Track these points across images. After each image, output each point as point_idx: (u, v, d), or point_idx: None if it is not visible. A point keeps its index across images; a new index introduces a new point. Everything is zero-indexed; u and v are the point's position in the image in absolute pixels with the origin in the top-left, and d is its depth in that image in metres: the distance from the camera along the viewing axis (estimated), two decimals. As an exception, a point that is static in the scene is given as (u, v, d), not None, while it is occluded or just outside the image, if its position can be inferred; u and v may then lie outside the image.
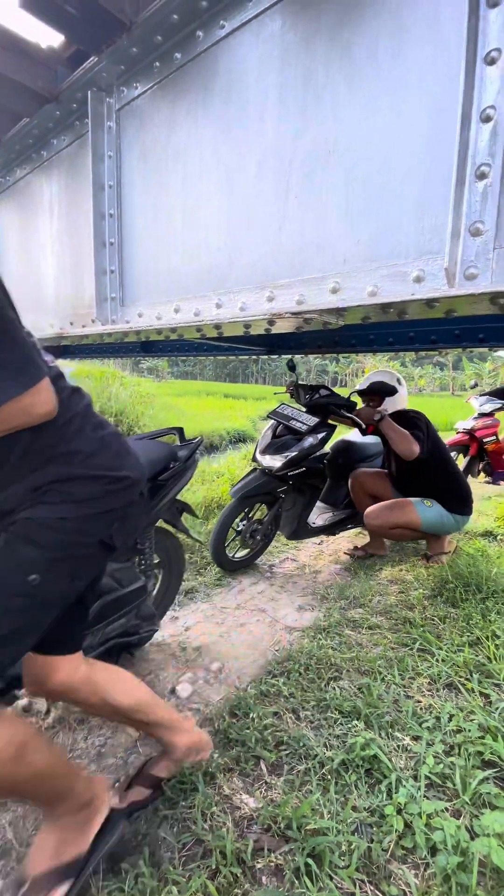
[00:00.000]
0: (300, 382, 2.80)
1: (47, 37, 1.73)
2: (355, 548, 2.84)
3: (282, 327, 1.44)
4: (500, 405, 4.46)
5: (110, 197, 1.71)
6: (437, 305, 1.04)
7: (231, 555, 2.57)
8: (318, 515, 2.86)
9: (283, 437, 2.53)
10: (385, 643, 1.75)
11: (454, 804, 1.06)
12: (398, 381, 2.73)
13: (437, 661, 1.60)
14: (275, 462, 2.39)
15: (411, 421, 2.42)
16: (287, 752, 1.23)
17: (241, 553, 2.63)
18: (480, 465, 4.54)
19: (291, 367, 2.96)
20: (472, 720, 1.30)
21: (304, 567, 2.67)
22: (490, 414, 4.46)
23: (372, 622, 1.91)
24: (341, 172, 1.14)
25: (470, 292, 0.94)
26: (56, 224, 2.03)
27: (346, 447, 3.04)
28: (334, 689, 1.47)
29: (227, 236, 1.41)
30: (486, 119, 0.93)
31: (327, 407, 2.54)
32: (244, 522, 2.52)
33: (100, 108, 1.66)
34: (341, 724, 1.31)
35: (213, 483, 3.91)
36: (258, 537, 2.57)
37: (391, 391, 2.55)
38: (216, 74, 1.37)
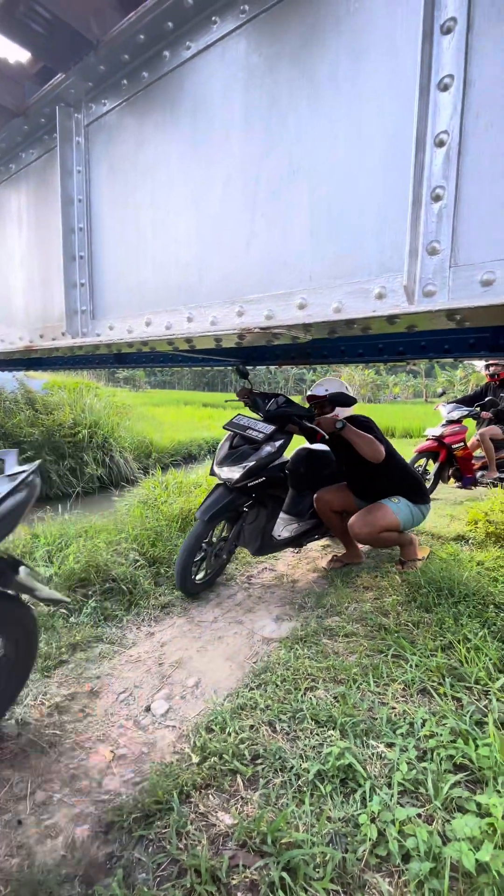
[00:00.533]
0: (255, 390, 2.74)
1: (14, 53, 1.73)
2: (333, 559, 2.84)
3: (252, 341, 1.46)
4: (467, 412, 4.57)
5: (80, 211, 1.71)
6: (398, 321, 1.07)
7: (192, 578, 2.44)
8: (283, 527, 2.76)
9: (240, 447, 2.45)
10: (361, 650, 1.77)
11: (427, 810, 1.07)
12: (347, 388, 2.77)
13: (410, 666, 1.63)
14: (233, 473, 2.30)
15: (365, 425, 2.46)
16: (263, 765, 1.22)
17: (201, 575, 2.50)
18: (450, 471, 4.69)
19: (243, 374, 2.90)
20: (444, 724, 1.32)
21: (282, 577, 2.68)
22: (458, 421, 4.58)
23: (348, 630, 1.93)
24: (305, 191, 1.17)
25: (428, 309, 0.98)
26: (25, 237, 2.01)
27: (306, 455, 2.98)
28: (311, 699, 1.47)
29: (197, 251, 1.43)
30: (440, 143, 0.98)
31: (286, 417, 2.50)
32: (205, 542, 2.40)
33: (68, 124, 1.66)
34: (317, 734, 1.32)
35: (190, 495, 3.89)
36: (224, 556, 2.50)
37: (351, 402, 2.56)
38: (183, 93, 1.39)
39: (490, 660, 1.62)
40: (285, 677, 1.59)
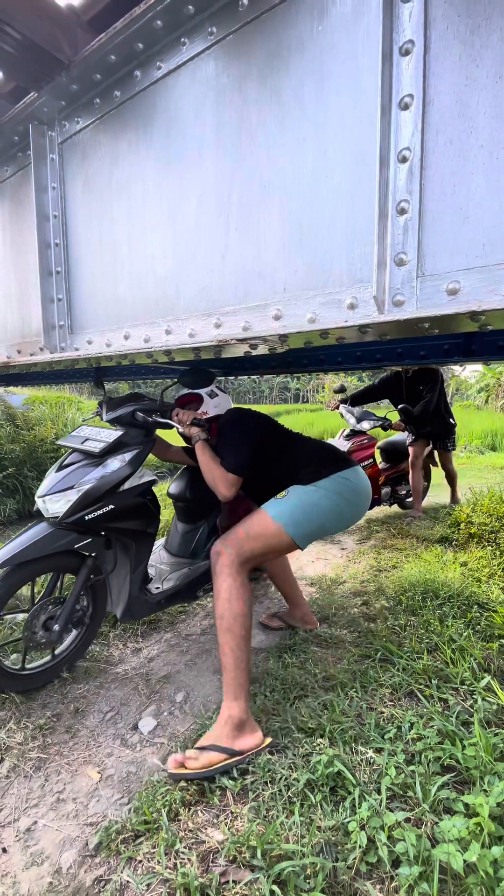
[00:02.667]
0: (109, 397, 1.93)
1: (-13, 72, 1.73)
2: (273, 616, 2.14)
3: (230, 352, 1.48)
4: (378, 423, 3.68)
5: (55, 227, 1.72)
6: (369, 331, 1.10)
7: (13, 666, 1.63)
8: (165, 576, 1.95)
9: (76, 464, 1.71)
10: (349, 657, 1.77)
11: (415, 813, 1.08)
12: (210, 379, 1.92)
13: (398, 670, 1.64)
14: (57, 505, 1.58)
15: (232, 433, 1.77)
16: (252, 779, 1.21)
17: (39, 660, 1.70)
18: None
19: (98, 383, 2.29)
20: (431, 727, 1.33)
21: (269, 586, 2.67)
22: (362, 433, 3.71)
23: (336, 636, 1.94)
24: (276, 206, 1.20)
25: (397, 318, 1.01)
26: (1, 253, 2.01)
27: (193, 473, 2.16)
28: (299, 708, 1.47)
29: (174, 265, 1.44)
30: (403, 160, 1.01)
31: (130, 414, 1.79)
32: (22, 613, 1.68)
33: (41, 141, 1.68)
34: (306, 743, 1.31)
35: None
36: (56, 628, 1.58)
37: (201, 383, 1.84)
38: (155, 112, 1.42)
39: (475, 659, 1.64)
40: (274, 687, 1.59)
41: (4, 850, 1.10)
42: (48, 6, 1.42)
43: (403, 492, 4.18)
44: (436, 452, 4.13)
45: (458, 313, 0.95)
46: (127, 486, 1.69)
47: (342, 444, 3.51)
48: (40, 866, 1.06)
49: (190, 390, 1.87)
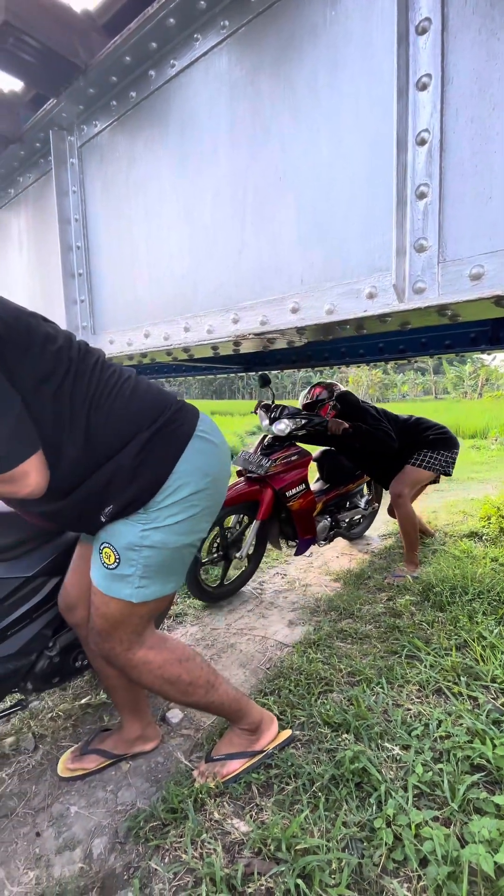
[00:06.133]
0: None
1: (8, 82, 1.77)
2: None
3: (248, 347, 1.48)
4: (306, 423, 2.47)
5: (76, 230, 1.76)
6: (390, 319, 1.08)
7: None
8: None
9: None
10: (374, 652, 1.75)
11: (444, 812, 1.05)
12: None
13: (425, 666, 1.61)
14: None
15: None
16: (276, 772, 1.21)
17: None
18: (276, 530, 2.55)
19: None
20: (460, 725, 1.30)
21: (294, 582, 2.67)
22: (289, 444, 2.46)
23: (361, 631, 1.92)
24: (292, 199, 1.19)
25: (418, 306, 0.98)
26: (26, 257, 2.06)
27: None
28: (324, 702, 1.46)
29: (191, 262, 1.45)
30: (422, 142, 0.98)
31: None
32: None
33: (62, 146, 1.71)
34: (331, 738, 1.30)
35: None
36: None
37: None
38: (170, 110, 1.43)
39: (507, 658, 1.60)
40: (298, 682, 1.59)
41: (38, 835, 1.14)
42: (65, 13, 1.44)
43: (348, 519, 2.98)
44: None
45: (482, 299, 0.93)
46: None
47: (258, 463, 2.33)
48: (72, 851, 1.09)
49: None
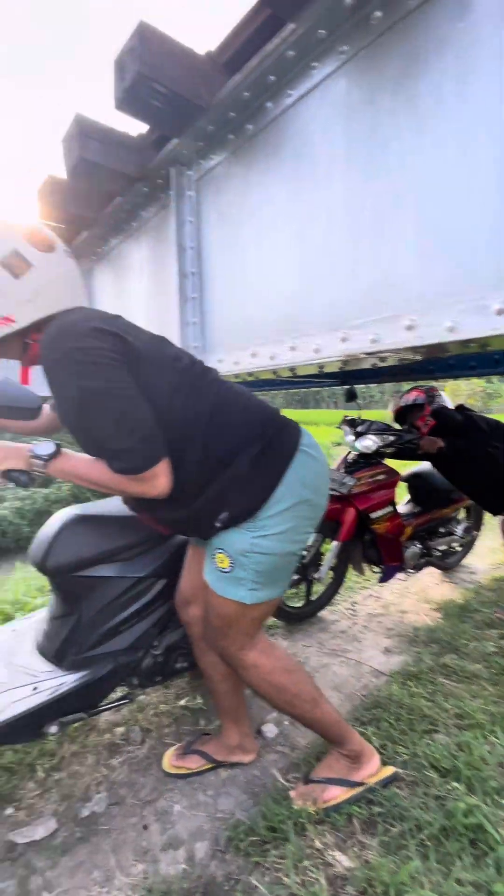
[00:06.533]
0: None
1: (136, 126, 1.96)
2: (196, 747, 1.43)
3: (356, 365, 1.46)
4: (395, 440, 2.31)
5: (191, 257, 1.88)
6: (523, 337, 1.00)
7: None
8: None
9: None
10: (485, 695, 1.60)
11: None
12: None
13: (549, 719, 1.43)
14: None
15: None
16: (380, 810, 1.16)
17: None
18: (362, 553, 2.42)
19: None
20: None
21: (389, 606, 2.55)
22: (375, 462, 2.31)
23: (468, 670, 1.77)
24: (410, 215, 1.15)
25: None
26: (144, 283, 2.25)
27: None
28: (429, 743, 1.37)
29: (300, 283, 1.47)
30: None
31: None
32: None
33: (181, 181, 1.85)
34: (439, 784, 1.22)
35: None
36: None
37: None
38: (285, 138, 1.47)
39: None
40: (399, 716, 1.50)
41: (145, 828, 1.22)
42: (189, 57, 1.55)
43: (442, 547, 2.75)
44: None
45: None
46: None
47: (340, 480, 2.21)
48: (176, 850, 1.14)
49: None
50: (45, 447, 1.00)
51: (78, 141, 1.78)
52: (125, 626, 1.35)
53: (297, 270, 1.47)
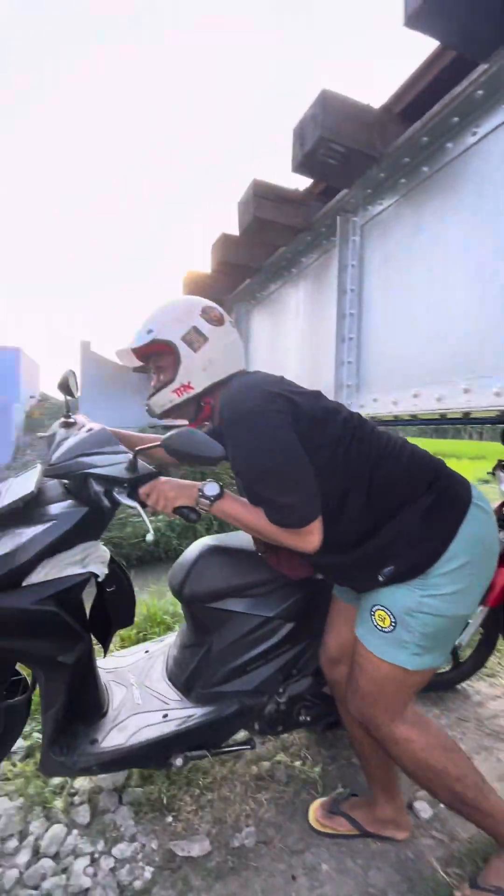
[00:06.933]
0: (66, 420, 1.30)
1: (301, 181, 2.09)
2: (333, 808, 1.32)
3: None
4: None
5: (351, 299, 1.91)
6: None
7: None
8: (127, 720, 1.25)
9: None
10: None
11: None
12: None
13: None
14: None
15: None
16: None
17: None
18: None
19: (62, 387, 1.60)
20: None
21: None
22: None
23: None
24: None
25: None
26: (300, 325, 2.36)
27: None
28: None
29: (479, 322, 1.39)
30: None
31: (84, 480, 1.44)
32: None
33: (345, 227, 1.91)
34: None
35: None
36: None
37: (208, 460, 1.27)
38: (466, 176, 1.42)
39: None
40: None
41: (294, 878, 1.19)
42: (366, 113, 1.61)
43: None
44: None
45: None
46: (26, 582, 1.03)
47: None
48: (325, 915, 1.09)
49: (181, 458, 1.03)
50: (211, 488, 1.04)
51: (253, 202, 1.97)
52: (251, 666, 1.34)
53: (476, 308, 1.39)
